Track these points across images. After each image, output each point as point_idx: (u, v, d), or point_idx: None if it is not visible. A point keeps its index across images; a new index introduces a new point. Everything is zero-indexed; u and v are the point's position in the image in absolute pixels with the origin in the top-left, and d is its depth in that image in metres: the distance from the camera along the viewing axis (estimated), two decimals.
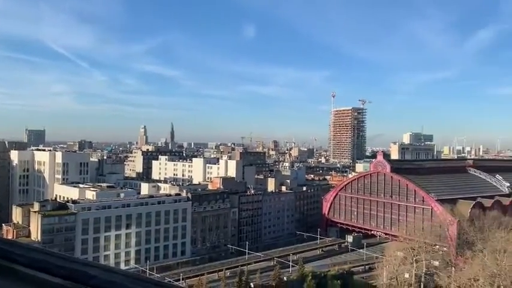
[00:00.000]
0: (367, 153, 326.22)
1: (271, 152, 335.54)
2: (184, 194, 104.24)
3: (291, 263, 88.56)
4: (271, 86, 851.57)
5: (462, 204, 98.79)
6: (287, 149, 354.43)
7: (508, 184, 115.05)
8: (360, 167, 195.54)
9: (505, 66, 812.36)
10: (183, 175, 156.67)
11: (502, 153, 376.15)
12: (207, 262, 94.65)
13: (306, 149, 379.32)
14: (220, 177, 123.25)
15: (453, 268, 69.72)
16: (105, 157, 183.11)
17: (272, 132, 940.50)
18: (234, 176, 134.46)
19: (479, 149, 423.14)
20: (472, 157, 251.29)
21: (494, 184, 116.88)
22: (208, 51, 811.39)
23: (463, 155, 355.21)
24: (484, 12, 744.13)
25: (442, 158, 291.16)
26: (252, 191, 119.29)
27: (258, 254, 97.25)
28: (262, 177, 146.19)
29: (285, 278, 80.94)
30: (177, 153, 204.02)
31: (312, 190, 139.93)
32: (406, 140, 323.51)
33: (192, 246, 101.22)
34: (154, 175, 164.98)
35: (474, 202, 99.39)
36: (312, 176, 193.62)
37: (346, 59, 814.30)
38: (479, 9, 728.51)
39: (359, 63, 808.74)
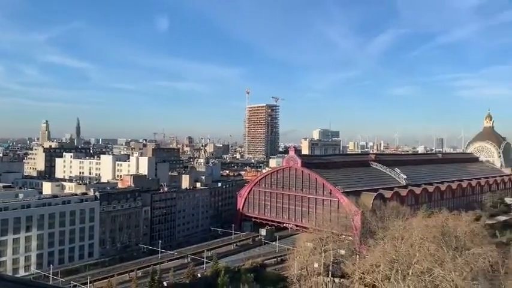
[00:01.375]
0: (281, 149, 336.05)
1: (186, 149, 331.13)
2: (91, 193, 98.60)
3: (205, 260, 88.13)
4: (187, 81, 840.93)
5: (365, 196, 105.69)
6: (202, 145, 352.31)
7: (405, 176, 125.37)
8: (273, 162, 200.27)
9: (402, 68, 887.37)
10: (90, 173, 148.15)
11: (400, 148, 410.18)
12: (117, 263, 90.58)
13: (221, 145, 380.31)
14: (131, 175, 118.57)
15: (357, 256, 74.14)
16: (0, 154, 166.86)
17: (187, 128, 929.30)
18: (146, 173, 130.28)
19: (380, 144, 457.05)
20: (374, 152, 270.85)
21: (393, 176, 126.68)
22: (119, 43, 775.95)
23: (366, 150, 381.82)
24: (385, 18, 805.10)
25: (348, 152, 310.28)
26: (165, 189, 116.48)
27: (171, 252, 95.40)
28: (176, 174, 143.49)
29: (199, 275, 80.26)
30: (84, 150, 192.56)
31: (227, 186, 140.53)
32: (315, 136, 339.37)
33: (101, 247, 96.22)
34: (58, 174, 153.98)
35: (376, 194, 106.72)
36: (227, 171, 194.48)
37: (261, 57, 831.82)
38: (380, 14, 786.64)
39: (273, 62, 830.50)
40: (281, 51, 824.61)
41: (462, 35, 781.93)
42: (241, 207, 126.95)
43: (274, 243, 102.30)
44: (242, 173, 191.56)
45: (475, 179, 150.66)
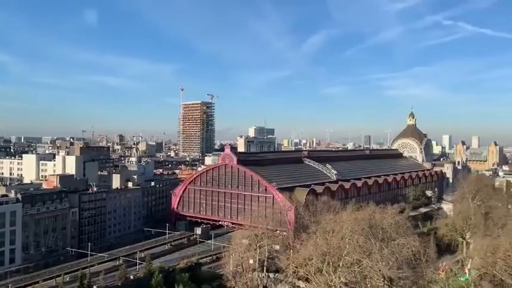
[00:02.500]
0: (216, 147, 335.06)
1: (117, 147, 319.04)
2: (12, 194, 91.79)
3: (137, 261, 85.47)
4: (118, 77, 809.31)
5: (299, 192, 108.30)
6: (134, 143, 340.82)
7: (336, 172, 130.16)
8: (209, 160, 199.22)
9: (334, 68, 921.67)
10: (11, 174, 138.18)
11: (331, 145, 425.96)
12: (42, 268, 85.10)
13: (154, 143, 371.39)
14: (57, 175, 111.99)
15: (291, 250, 75.79)
16: None
17: (118, 126, 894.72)
18: (74, 173, 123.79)
19: (312, 141, 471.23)
20: (307, 149, 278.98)
21: (325, 172, 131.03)
22: (43, 35, 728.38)
23: (299, 147, 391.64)
24: (317, 18, 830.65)
25: (282, 150, 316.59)
26: (95, 189, 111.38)
27: (102, 254, 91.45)
28: (106, 174, 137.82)
29: (131, 277, 77.69)
30: (4, 149, 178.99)
31: (161, 185, 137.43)
32: (251, 133, 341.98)
33: (24, 252, 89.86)
34: None
35: (308, 189, 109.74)
36: (161, 170, 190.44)
37: (196, 54, 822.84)
38: (313, 15, 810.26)
39: (208, 59, 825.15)
40: (216, 49, 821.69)
41: (389, 37, 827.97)
42: (175, 207, 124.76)
43: (209, 241, 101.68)
44: (177, 171, 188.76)
45: (400, 173, 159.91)
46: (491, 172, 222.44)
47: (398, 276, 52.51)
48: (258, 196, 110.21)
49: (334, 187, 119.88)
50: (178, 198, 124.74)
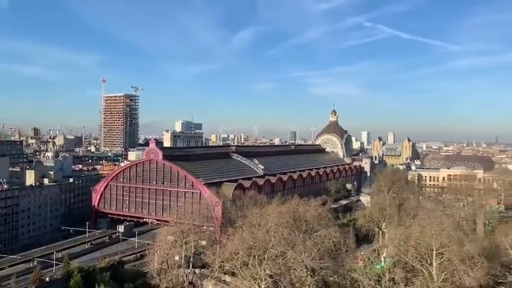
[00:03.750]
0: (141, 141, 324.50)
1: (31, 141, 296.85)
2: None
3: (55, 262, 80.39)
4: (33, 66, 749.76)
5: (226, 187, 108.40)
6: (50, 137, 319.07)
7: (263, 167, 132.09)
8: (132, 155, 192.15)
9: (262, 64, 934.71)
10: None
11: (258, 140, 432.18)
12: None
13: (73, 137, 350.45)
14: None
15: (218, 245, 75.76)
16: None
17: (33, 118, 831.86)
18: None
19: (240, 136, 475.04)
20: (235, 144, 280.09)
21: (252, 167, 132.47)
22: None
23: (227, 142, 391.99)
24: (246, 14, 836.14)
25: (210, 145, 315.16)
26: (5, 186, 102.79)
27: (13, 256, 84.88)
28: (19, 170, 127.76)
29: (47, 279, 72.89)
30: None
31: (80, 181, 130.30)
32: (178, 128, 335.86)
33: None
34: None
35: (236, 184, 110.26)
36: (81, 166, 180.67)
37: (120, 45, 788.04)
38: (241, 10, 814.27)
39: (133, 50, 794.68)
40: (142, 40, 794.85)
41: (314, 36, 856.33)
42: (96, 204, 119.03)
43: (133, 239, 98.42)
44: (98, 167, 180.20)
45: (322, 167, 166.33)
46: (404, 166, 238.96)
47: (320, 266, 54.60)
48: (185, 192, 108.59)
49: (261, 182, 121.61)
50: (99, 195, 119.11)
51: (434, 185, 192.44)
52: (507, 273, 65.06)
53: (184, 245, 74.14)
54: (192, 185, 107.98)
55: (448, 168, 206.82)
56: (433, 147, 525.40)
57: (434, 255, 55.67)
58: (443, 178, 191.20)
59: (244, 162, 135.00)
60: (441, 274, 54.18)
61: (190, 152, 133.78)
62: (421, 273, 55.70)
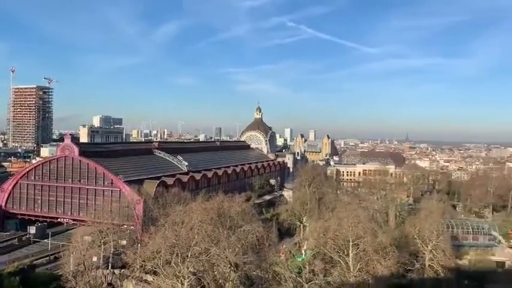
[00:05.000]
0: (55, 137, 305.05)
1: None
2: None
3: None
4: None
5: (148, 184, 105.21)
6: None
7: (187, 163, 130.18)
8: (45, 151, 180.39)
9: (187, 59, 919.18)
10: None
11: (182, 136, 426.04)
12: None
13: None
14: None
15: (139, 244, 73.37)
16: None
17: None
18: None
19: (164, 132, 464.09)
20: (158, 140, 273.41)
21: (176, 164, 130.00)
22: None
23: (150, 138, 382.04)
24: (170, 8, 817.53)
25: (131, 141, 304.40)
26: None
27: None
28: None
29: None
30: None
31: None
32: (96, 123, 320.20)
33: None
34: None
35: (159, 181, 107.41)
36: None
37: (32, 34, 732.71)
38: (165, 3, 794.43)
39: (47, 40, 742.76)
40: (58, 30, 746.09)
41: (239, 33, 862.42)
42: (4, 204, 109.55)
43: (46, 240, 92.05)
44: (6, 164, 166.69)
45: (247, 164, 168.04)
46: (324, 162, 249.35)
47: (243, 262, 54.99)
48: (103, 190, 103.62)
49: (185, 178, 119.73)
50: (7, 195, 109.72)
51: (351, 179, 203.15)
52: (415, 261, 70.48)
53: (102, 245, 70.84)
54: (112, 183, 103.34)
55: (364, 164, 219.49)
56: (350, 144, 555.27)
57: (350, 246, 58.70)
58: (359, 173, 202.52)
59: (167, 158, 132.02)
60: (357, 264, 57.27)
61: (109, 148, 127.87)
62: (338, 264, 58.46)
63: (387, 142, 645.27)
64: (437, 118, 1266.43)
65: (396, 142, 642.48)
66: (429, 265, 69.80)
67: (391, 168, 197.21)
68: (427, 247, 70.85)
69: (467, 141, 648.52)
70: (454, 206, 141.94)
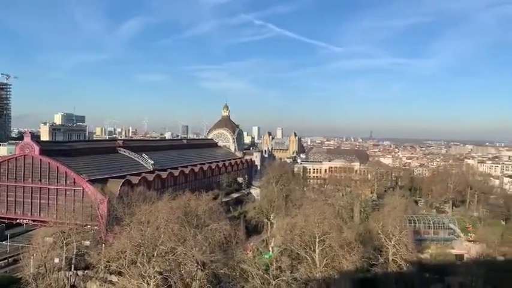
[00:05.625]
0: (14, 135, 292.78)
1: None
2: None
3: None
4: None
5: (113, 183, 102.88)
6: None
7: (153, 162, 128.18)
8: (3, 150, 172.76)
9: (153, 56, 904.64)
10: None
11: (148, 134, 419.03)
12: None
13: None
14: None
15: (103, 245, 71.71)
16: None
17: None
18: None
19: (129, 130, 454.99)
20: (123, 138, 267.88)
21: (141, 162, 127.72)
22: None
23: (114, 136, 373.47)
24: (135, 3, 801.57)
25: (95, 139, 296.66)
26: None
27: None
28: None
29: None
30: None
31: None
32: (58, 120, 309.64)
33: None
34: None
35: (123, 180, 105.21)
36: None
37: None
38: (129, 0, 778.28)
39: (5, 34, 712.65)
40: (18, 25, 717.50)
41: (206, 30, 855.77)
42: None
43: (4, 242, 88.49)
44: None
45: (215, 162, 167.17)
46: (291, 159, 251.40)
47: (210, 260, 54.79)
48: (65, 189, 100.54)
49: (150, 177, 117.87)
50: None
51: (317, 176, 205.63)
52: (379, 256, 72.25)
53: (65, 246, 68.73)
54: (74, 182, 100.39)
55: (330, 161, 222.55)
56: (317, 141, 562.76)
57: (317, 242, 59.58)
58: (325, 170, 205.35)
59: (132, 157, 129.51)
60: (323, 260, 58.19)
61: (71, 147, 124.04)
62: (305, 260, 59.21)
63: (352, 140, 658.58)
64: (399, 116, 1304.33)
65: (361, 140, 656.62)
66: (392, 259, 71.79)
67: (356, 165, 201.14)
68: (391, 242, 72.83)
69: (428, 139, 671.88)
70: (416, 202, 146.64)
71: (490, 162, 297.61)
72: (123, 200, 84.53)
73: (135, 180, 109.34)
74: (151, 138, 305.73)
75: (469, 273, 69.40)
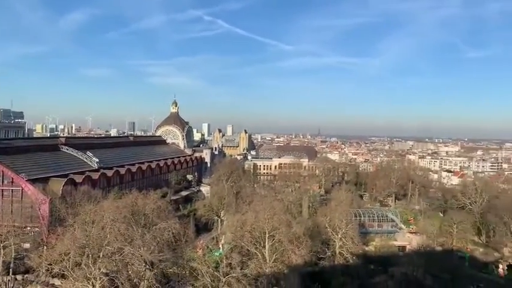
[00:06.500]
0: None
1: None
2: None
3: None
4: None
5: (55, 182, 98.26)
6: None
7: (98, 160, 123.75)
8: None
9: (97, 49, 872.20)
10: None
11: (93, 131, 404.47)
12: None
13: None
14: None
15: (45, 247, 68.46)
16: None
17: None
18: None
19: (72, 127, 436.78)
20: (65, 135, 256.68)
21: (85, 160, 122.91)
22: None
23: (56, 133, 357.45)
24: None
25: (35, 136, 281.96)
26: None
27: None
28: None
29: None
30: None
31: None
32: None
33: None
34: None
35: (66, 179, 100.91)
36: None
37: None
38: None
39: None
40: None
41: (153, 24, 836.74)
42: None
43: None
44: None
45: (163, 159, 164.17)
46: (242, 156, 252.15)
47: (159, 259, 53.79)
48: (2, 190, 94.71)
49: (95, 176, 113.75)
50: None
51: (267, 173, 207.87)
52: (326, 249, 74.18)
53: (2, 249, 64.94)
54: (12, 182, 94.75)
55: (279, 158, 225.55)
56: (267, 138, 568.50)
57: (266, 238, 60.19)
58: (275, 166, 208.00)
59: (76, 155, 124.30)
60: (272, 255, 58.88)
61: (9, 144, 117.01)
62: (255, 256, 59.60)
63: (301, 136, 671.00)
64: (346, 113, 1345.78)
65: (309, 136, 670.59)
66: (339, 252, 73.99)
67: (305, 161, 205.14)
68: (337, 235, 75.01)
69: (372, 135, 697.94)
70: (361, 196, 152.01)
71: (429, 157, 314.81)
72: (66, 199, 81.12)
73: (78, 179, 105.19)
74: (96, 136, 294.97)
75: (411, 264, 72.97)
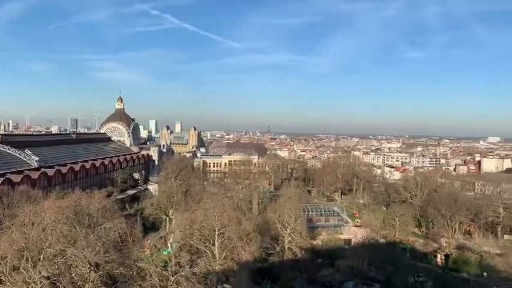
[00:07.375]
0: None
1: None
2: None
3: None
4: None
5: None
6: None
7: (37, 158, 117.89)
8: None
9: (36, 42, 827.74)
10: None
11: (32, 129, 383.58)
12: None
13: None
14: None
15: None
16: None
17: None
18: None
19: (8, 124, 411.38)
20: (1, 132, 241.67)
21: (24, 159, 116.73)
22: None
23: None
24: None
25: None
26: None
27: None
28: None
29: None
30: None
31: None
32: None
33: None
34: None
35: (3, 179, 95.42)
36: None
37: None
38: None
39: None
40: None
41: (97, 18, 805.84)
42: None
43: None
44: None
45: (108, 157, 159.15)
46: (191, 154, 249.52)
47: (105, 260, 51.93)
48: None
49: (35, 175, 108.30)
50: None
51: (217, 170, 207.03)
52: (276, 245, 75.09)
53: None
54: None
55: (229, 155, 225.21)
56: (217, 135, 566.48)
57: (216, 235, 59.84)
58: (225, 164, 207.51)
59: (13, 153, 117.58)
60: (222, 252, 58.67)
61: None
62: (204, 254, 59.09)
63: (251, 133, 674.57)
64: (295, 111, 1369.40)
65: (259, 133, 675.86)
66: (288, 247, 75.15)
67: (255, 158, 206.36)
68: (286, 230, 76.15)
69: (320, 132, 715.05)
70: (309, 191, 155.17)
71: (373, 153, 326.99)
72: (3, 200, 76.47)
73: (16, 178, 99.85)
74: (35, 133, 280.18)
75: (356, 256, 75.53)
